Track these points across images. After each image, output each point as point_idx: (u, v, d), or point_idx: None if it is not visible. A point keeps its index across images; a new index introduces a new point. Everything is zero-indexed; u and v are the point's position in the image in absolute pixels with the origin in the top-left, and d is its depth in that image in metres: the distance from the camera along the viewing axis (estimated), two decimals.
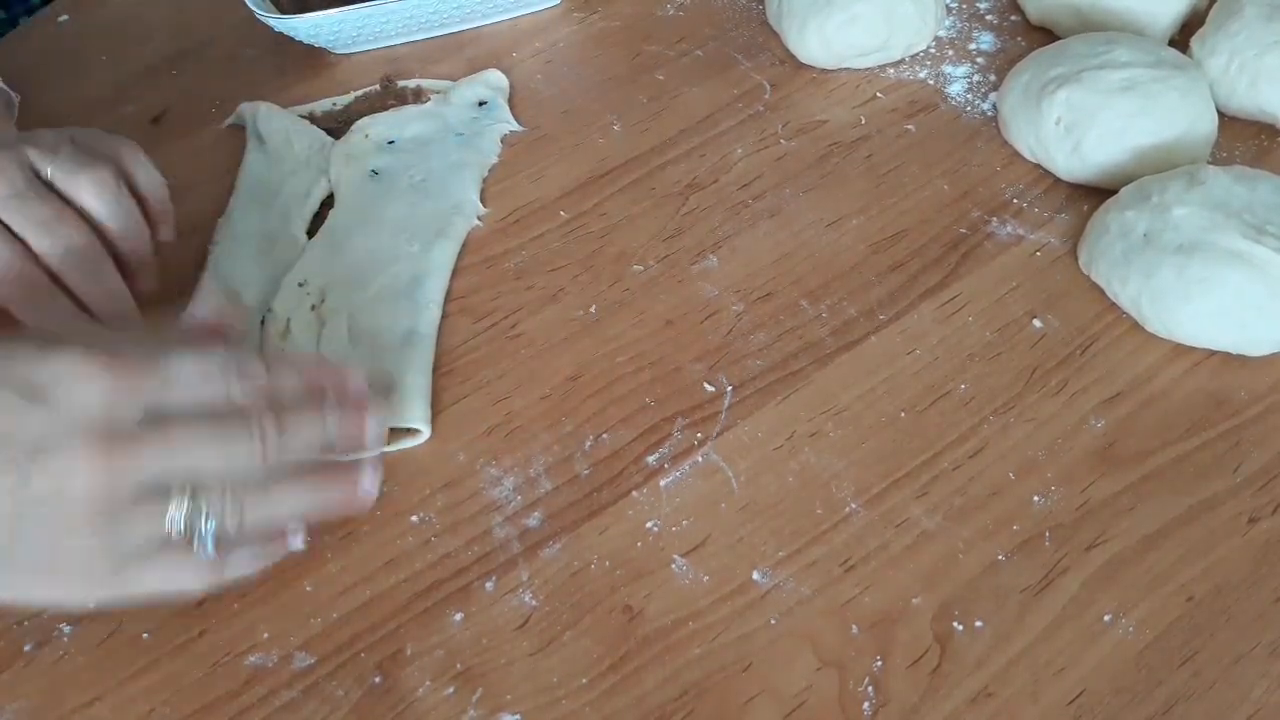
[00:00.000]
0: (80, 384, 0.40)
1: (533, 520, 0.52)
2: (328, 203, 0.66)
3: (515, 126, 0.70)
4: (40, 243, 0.52)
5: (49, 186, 0.53)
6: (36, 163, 0.53)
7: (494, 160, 0.69)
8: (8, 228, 0.52)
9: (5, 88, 0.66)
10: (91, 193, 0.54)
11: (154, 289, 0.57)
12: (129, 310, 0.54)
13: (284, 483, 0.43)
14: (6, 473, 0.39)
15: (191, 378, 0.42)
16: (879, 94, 0.72)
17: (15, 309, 0.52)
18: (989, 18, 0.76)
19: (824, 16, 0.71)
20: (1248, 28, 0.67)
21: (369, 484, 0.47)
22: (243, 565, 0.44)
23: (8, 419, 0.39)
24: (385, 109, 0.71)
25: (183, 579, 0.42)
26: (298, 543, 0.46)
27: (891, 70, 0.73)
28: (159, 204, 0.58)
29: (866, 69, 0.73)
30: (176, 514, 0.41)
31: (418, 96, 0.72)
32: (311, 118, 0.71)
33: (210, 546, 0.41)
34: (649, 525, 0.51)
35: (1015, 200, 0.65)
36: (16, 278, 0.52)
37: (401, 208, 0.65)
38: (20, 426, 0.39)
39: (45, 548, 0.40)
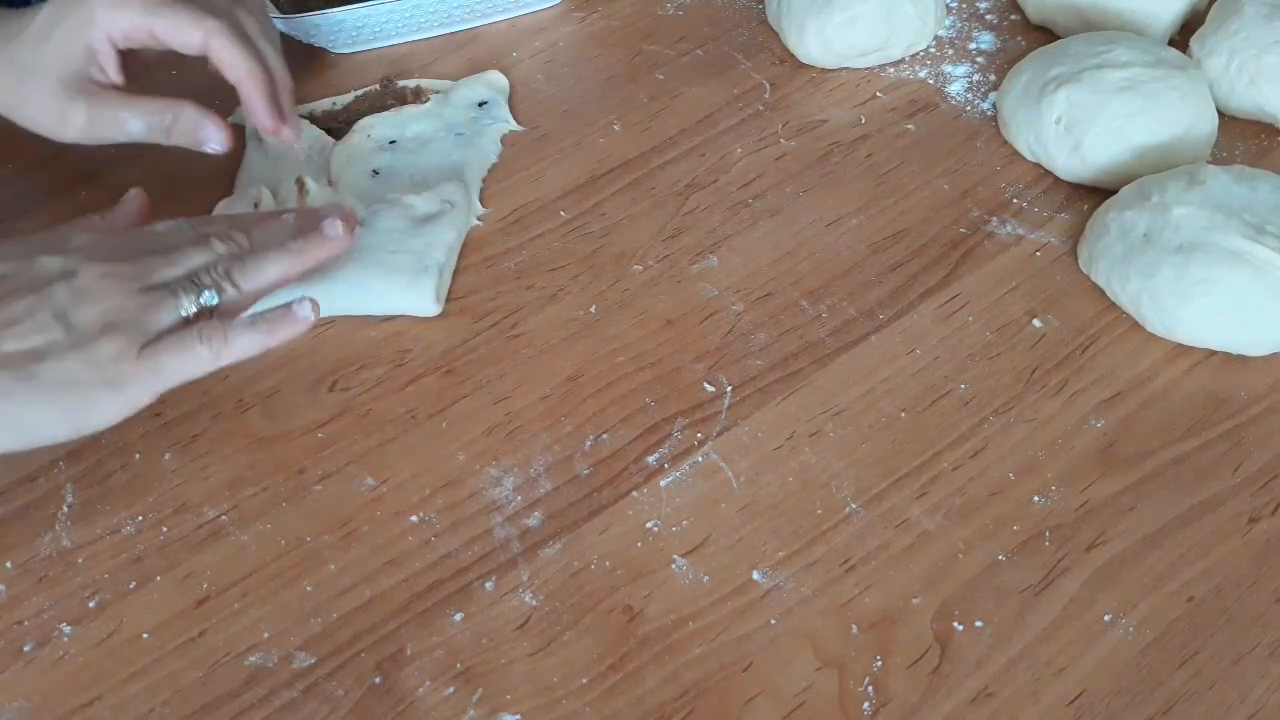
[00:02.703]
0: (76, 231, 0.51)
1: (533, 520, 0.52)
2: None
3: (515, 126, 0.70)
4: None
5: None
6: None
7: (494, 160, 0.69)
8: None
9: None
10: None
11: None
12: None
13: (263, 254, 0.52)
14: (28, 297, 0.48)
15: (167, 229, 0.53)
16: (879, 94, 0.72)
17: None
18: (989, 17, 0.76)
19: (824, 17, 0.71)
20: (1247, 27, 0.67)
21: (335, 229, 0.54)
22: (246, 343, 0.51)
23: (19, 268, 0.49)
24: (385, 109, 0.71)
25: (198, 361, 0.50)
26: (305, 312, 0.52)
27: (891, 70, 0.73)
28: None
29: (866, 69, 0.73)
30: (183, 297, 0.50)
31: (418, 96, 0.72)
32: (311, 118, 0.71)
33: (214, 300, 0.51)
34: (649, 525, 0.51)
35: (1015, 200, 0.65)
36: None
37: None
38: (32, 268, 0.49)
39: (71, 355, 0.47)
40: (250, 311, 0.52)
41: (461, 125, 0.70)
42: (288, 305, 0.52)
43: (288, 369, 0.58)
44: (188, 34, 0.58)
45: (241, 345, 0.51)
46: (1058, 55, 0.66)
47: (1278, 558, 0.50)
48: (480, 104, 0.71)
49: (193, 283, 0.50)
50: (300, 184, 0.64)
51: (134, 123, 0.60)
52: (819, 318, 0.59)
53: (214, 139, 0.61)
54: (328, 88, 0.74)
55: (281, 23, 0.72)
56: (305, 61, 0.76)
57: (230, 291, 0.51)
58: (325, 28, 0.73)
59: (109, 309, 0.48)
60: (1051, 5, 0.73)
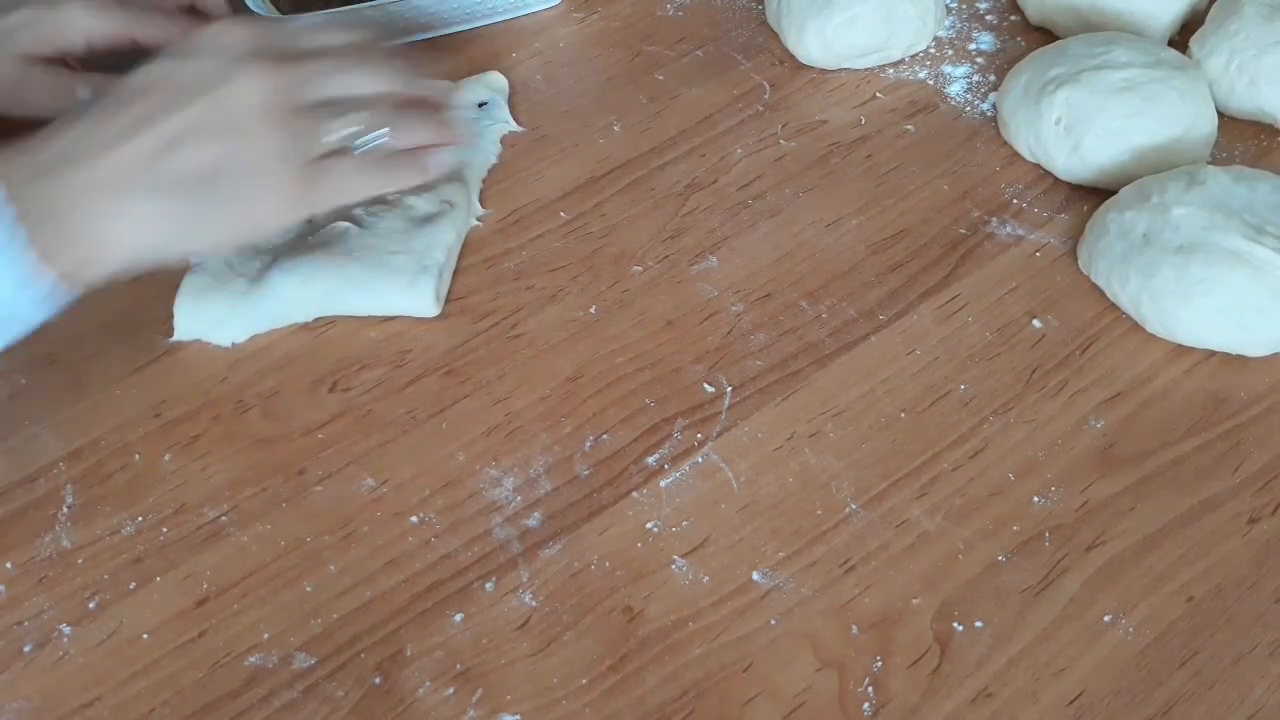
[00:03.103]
0: (232, 28, 0.51)
1: (533, 521, 0.52)
2: None
3: (515, 127, 0.70)
4: None
5: None
6: None
7: (494, 160, 0.69)
8: None
9: None
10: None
11: None
12: None
13: (413, 117, 0.55)
14: (194, 105, 0.49)
15: (329, 28, 0.54)
16: (879, 94, 0.72)
17: None
18: (989, 18, 0.76)
19: (824, 17, 0.71)
20: (1247, 28, 0.67)
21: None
22: (405, 176, 0.55)
23: (177, 69, 0.50)
24: None
25: (360, 182, 0.54)
26: (437, 162, 0.56)
27: (891, 70, 0.73)
28: None
29: (866, 69, 0.73)
30: (343, 126, 0.52)
31: None
32: None
33: (382, 140, 0.53)
34: (649, 526, 0.51)
35: (1015, 200, 0.65)
36: None
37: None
38: (191, 72, 0.49)
39: (244, 166, 0.50)
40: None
41: (461, 125, 0.70)
42: (422, 153, 0.55)
43: (288, 369, 0.58)
44: (169, 33, 0.61)
45: (401, 178, 0.55)
46: (1057, 56, 0.66)
47: (1278, 558, 0.50)
48: (480, 104, 0.71)
49: (355, 114, 0.52)
50: None
51: (85, 91, 0.62)
52: (819, 318, 0.59)
53: None
54: None
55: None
56: None
57: (386, 136, 0.54)
58: None
59: (278, 125, 0.50)
60: (1051, 6, 0.73)
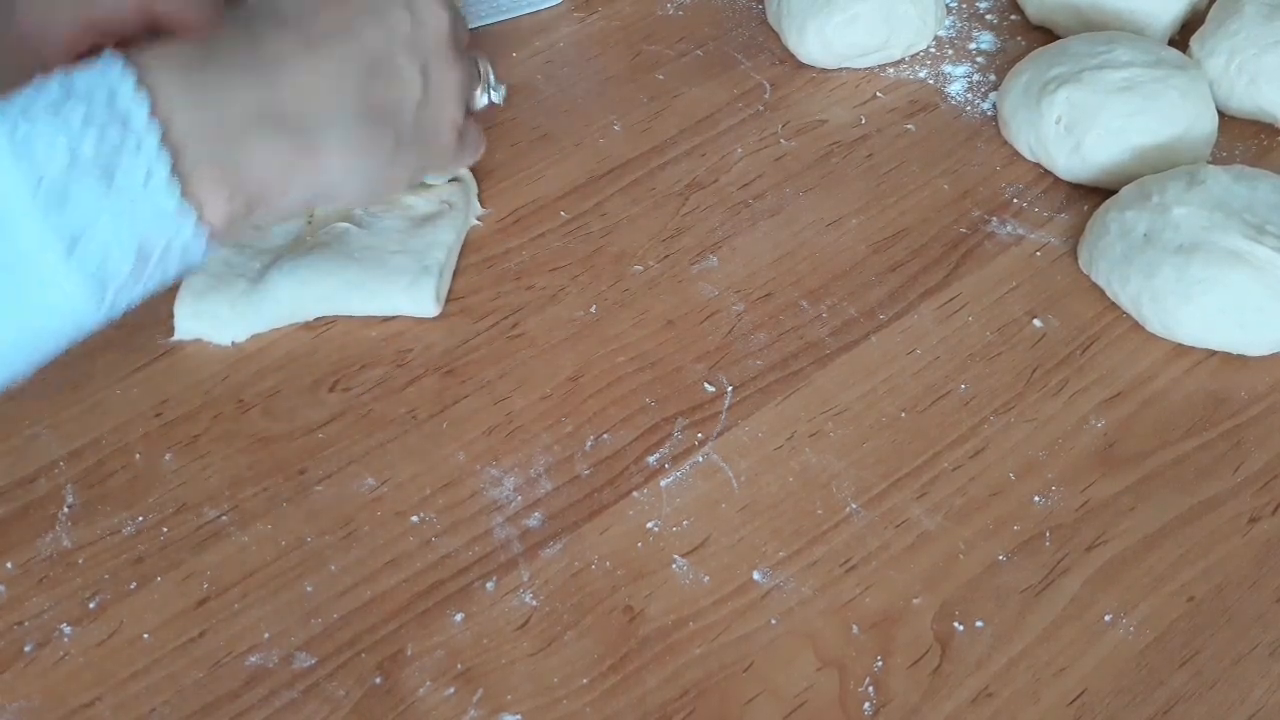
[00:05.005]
0: None
1: (533, 520, 0.52)
2: None
3: (474, 220, 0.65)
4: None
5: None
6: None
7: (458, 249, 0.63)
8: None
9: None
10: None
11: None
12: None
13: None
14: (385, 22, 0.43)
15: None
16: (879, 94, 0.72)
17: None
18: (989, 17, 0.76)
19: (824, 17, 0.71)
20: (1247, 27, 0.67)
21: None
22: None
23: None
24: None
25: (477, 145, 0.51)
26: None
27: (891, 70, 0.73)
28: None
29: (866, 69, 0.73)
30: (487, 69, 0.52)
31: None
32: None
33: (499, 100, 0.53)
34: (649, 525, 0.51)
35: (1015, 200, 0.65)
36: None
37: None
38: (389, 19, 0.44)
39: (432, 101, 0.45)
40: None
41: None
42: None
43: (288, 369, 0.58)
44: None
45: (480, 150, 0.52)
46: (1058, 55, 0.66)
47: (1278, 558, 0.50)
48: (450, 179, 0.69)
49: (487, 72, 0.52)
50: None
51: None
52: (819, 318, 0.59)
53: None
54: None
55: None
56: None
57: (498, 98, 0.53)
58: None
59: (455, 73, 0.46)
60: (1051, 5, 0.73)
